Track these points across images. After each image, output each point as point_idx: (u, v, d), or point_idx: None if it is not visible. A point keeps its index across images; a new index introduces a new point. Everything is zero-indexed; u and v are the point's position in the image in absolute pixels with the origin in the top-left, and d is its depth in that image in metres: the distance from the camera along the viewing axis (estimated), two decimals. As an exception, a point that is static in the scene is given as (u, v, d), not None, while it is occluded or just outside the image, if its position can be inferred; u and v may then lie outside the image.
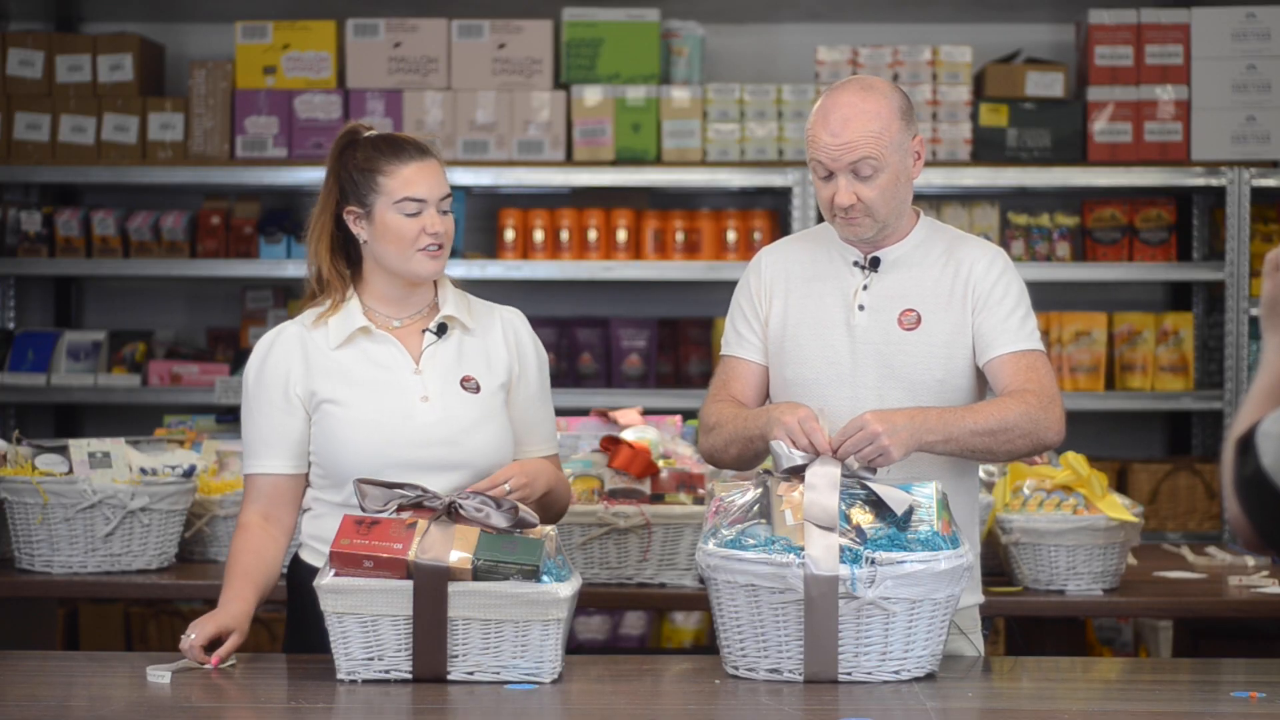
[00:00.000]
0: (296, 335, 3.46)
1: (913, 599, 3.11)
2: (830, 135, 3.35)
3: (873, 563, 3.08)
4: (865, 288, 3.45)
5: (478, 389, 3.45)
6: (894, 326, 3.43)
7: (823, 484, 3.13)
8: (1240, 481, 2.36)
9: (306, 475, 3.48)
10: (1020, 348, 3.41)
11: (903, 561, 3.09)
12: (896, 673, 3.14)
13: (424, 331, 3.47)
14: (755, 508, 3.19)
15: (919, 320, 3.43)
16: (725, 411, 3.46)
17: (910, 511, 3.14)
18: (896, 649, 3.14)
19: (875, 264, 3.46)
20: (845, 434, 3.19)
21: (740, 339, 3.56)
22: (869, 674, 3.14)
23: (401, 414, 3.39)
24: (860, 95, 3.37)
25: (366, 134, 3.48)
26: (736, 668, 3.19)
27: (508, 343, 3.52)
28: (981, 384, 3.48)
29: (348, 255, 3.50)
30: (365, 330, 3.45)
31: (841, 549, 3.09)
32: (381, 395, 3.40)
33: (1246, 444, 2.35)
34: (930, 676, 3.18)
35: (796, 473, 3.19)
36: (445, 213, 3.43)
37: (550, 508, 3.47)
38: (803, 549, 3.09)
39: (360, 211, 3.43)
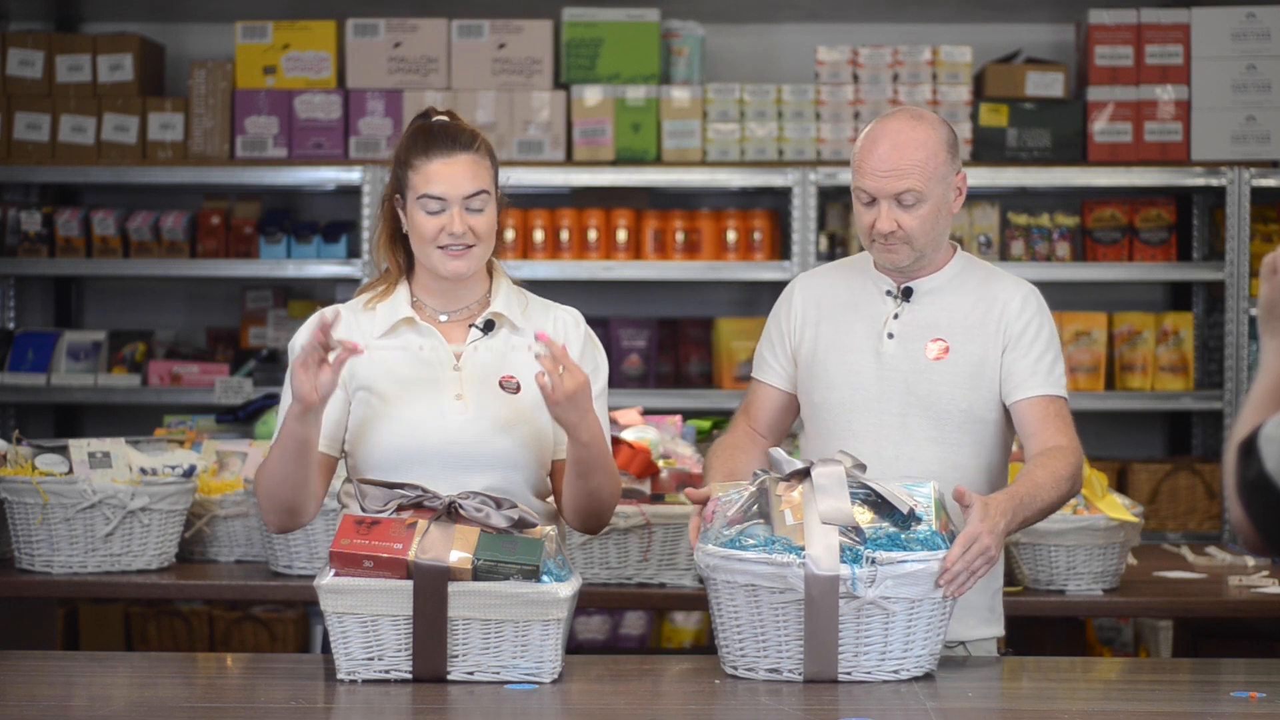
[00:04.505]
0: (348, 316, 3.43)
1: (912, 599, 3.11)
2: (877, 161, 3.39)
3: (873, 562, 3.09)
4: (896, 316, 3.50)
5: (517, 389, 3.40)
6: (921, 355, 3.47)
7: (832, 484, 3.13)
8: (1243, 485, 2.36)
9: (333, 460, 3.41)
10: (1048, 393, 3.46)
11: (904, 561, 3.09)
12: (896, 672, 3.14)
13: (470, 327, 3.44)
14: (754, 508, 3.19)
15: (947, 350, 3.47)
16: (713, 458, 3.59)
17: (912, 511, 3.14)
18: (896, 648, 3.14)
19: (908, 294, 3.50)
20: (962, 547, 3.12)
21: (764, 364, 3.64)
22: (869, 674, 3.13)
23: (434, 411, 3.36)
24: (910, 124, 3.41)
25: (434, 119, 3.44)
26: (735, 667, 3.19)
27: (557, 338, 3.44)
28: (1007, 416, 3.51)
29: (406, 246, 3.46)
30: (410, 321, 3.42)
31: (842, 549, 3.09)
32: (416, 390, 3.37)
33: (1249, 448, 2.36)
34: (929, 676, 3.18)
35: (798, 475, 3.19)
36: (476, 210, 3.36)
37: (596, 496, 3.36)
38: (803, 549, 3.09)
39: (402, 202, 3.41)
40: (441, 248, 3.36)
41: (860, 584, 3.08)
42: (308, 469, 3.30)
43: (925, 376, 3.45)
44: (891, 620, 3.12)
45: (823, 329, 3.54)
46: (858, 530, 3.12)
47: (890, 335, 3.48)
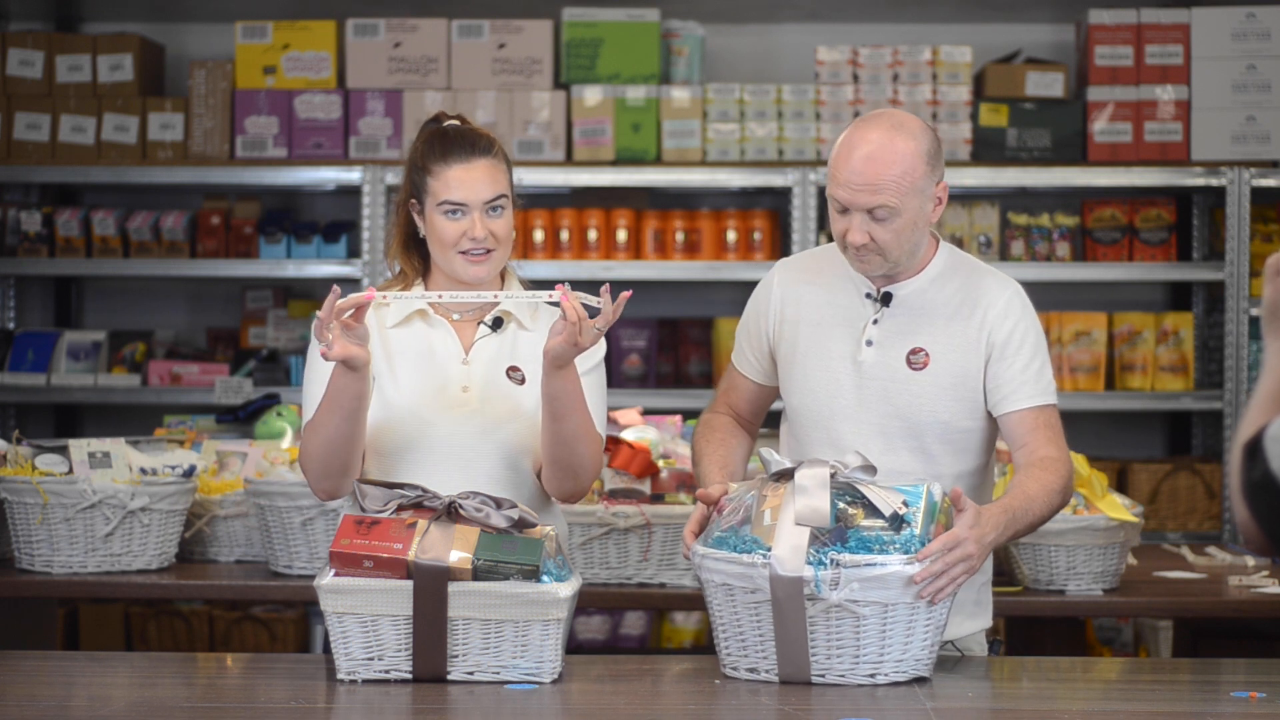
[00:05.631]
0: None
1: (884, 602, 3.08)
2: (851, 173, 3.28)
3: (837, 564, 3.06)
4: (875, 322, 3.43)
5: (523, 381, 3.42)
6: (901, 365, 3.41)
7: (813, 485, 3.11)
8: (1248, 486, 2.36)
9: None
10: (1038, 403, 3.40)
11: (870, 564, 3.06)
12: (872, 676, 3.12)
13: (479, 324, 3.45)
14: (745, 509, 3.19)
15: (927, 360, 3.40)
16: (701, 439, 3.56)
17: (896, 514, 3.11)
18: (870, 652, 3.11)
19: (887, 299, 3.43)
20: (944, 547, 3.10)
21: (742, 354, 3.61)
22: (842, 676, 3.11)
23: (441, 403, 3.37)
24: (888, 135, 3.29)
25: (445, 124, 3.45)
26: (724, 666, 3.21)
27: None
28: (991, 425, 3.47)
29: (420, 248, 3.48)
30: (423, 314, 3.44)
31: (811, 551, 3.07)
32: (424, 381, 3.38)
33: (1254, 448, 2.35)
34: (920, 681, 3.16)
35: (785, 476, 3.17)
36: (496, 215, 3.38)
37: (571, 446, 3.31)
38: (770, 549, 3.08)
39: (419, 207, 3.43)
40: (463, 253, 3.37)
41: (824, 586, 3.06)
42: (361, 425, 3.29)
43: (905, 388, 3.39)
44: (863, 624, 3.09)
45: (802, 330, 3.48)
46: (837, 532, 3.09)
47: (869, 343, 3.42)
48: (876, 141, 3.29)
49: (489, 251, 3.38)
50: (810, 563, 3.06)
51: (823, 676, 3.12)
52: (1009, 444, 3.43)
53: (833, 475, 3.13)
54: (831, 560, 3.05)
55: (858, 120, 3.37)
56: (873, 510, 3.11)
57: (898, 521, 3.10)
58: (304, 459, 3.36)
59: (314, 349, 3.41)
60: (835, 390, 3.43)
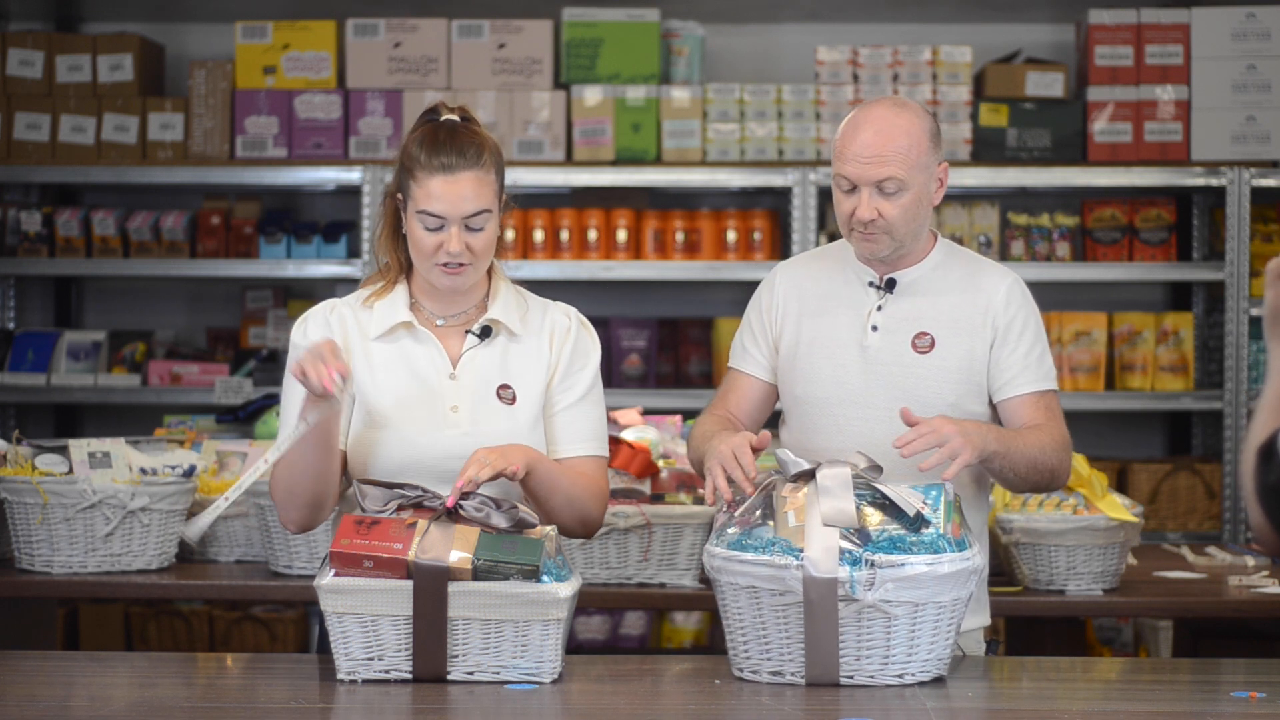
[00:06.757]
0: (350, 314, 3.37)
1: (915, 602, 3.08)
2: (860, 147, 3.37)
3: (872, 565, 3.06)
4: (879, 308, 3.47)
5: (514, 399, 3.33)
6: (907, 349, 3.45)
7: (836, 486, 3.11)
8: (1263, 489, 2.36)
9: (343, 454, 3.34)
10: (1039, 388, 3.46)
11: (903, 564, 3.06)
12: (900, 677, 3.12)
13: (467, 333, 3.36)
14: (760, 509, 3.17)
15: (933, 344, 3.45)
16: (701, 430, 3.50)
17: (920, 514, 3.11)
18: (900, 653, 3.11)
19: (890, 285, 3.48)
20: (918, 432, 3.19)
21: (745, 353, 3.61)
22: (871, 678, 3.11)
23: (429, 423, 3.30)
24: (893, 111, 3.39)
25: (444, 117, 3.32)
26: (741, 670, 3.18)
27: (553, 342, 3.39)
28: (994, 407, 3.49)
29: (406, 243, 3.35)
30: (408, 325, 3.35)
31: (842, 551, 3.07)
32: (412, 402, 3.30)
33: (1269, 452, 2.35)
34: (938, 680, 3.16)
35: (804, 477, 3.17)
36: (476, 229, 3.26)
37: (564, 513, 3.32)
38: (802, 551, 3.07)
39: (403, 203, 3.31)
40: (439, 265, 3.27)
41: (859, 586, 3.06)
42: (331, 458, 3.25)
43: (911, 371, 3.44)
44: (894, 624, 3.09)
45: (804, 321, 3.51)
46: (861, 532, 3.09)
47: (874, 328, 3.46)
48: (882, 117, 3.39)
49: (464, 265, 3.28)
50: (845, 563, 3.06)
51: (851, 678, 3.11)
52: (1008, 427, 3.45)
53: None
54: (867, 561, 3.05)
55: (860, 105, 3.46)
56: (894, 510, 3.11)
57: (920, 521, 3.10)
58: (273, 487, 3.31)
59: (290, 373, 3.28)
60: (841, 376, 3.46)
